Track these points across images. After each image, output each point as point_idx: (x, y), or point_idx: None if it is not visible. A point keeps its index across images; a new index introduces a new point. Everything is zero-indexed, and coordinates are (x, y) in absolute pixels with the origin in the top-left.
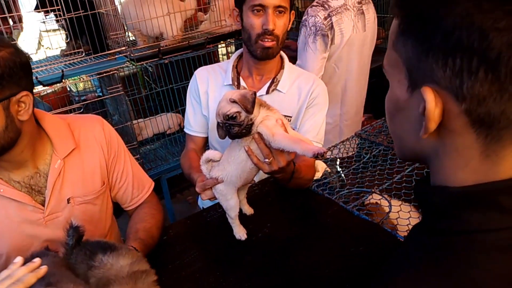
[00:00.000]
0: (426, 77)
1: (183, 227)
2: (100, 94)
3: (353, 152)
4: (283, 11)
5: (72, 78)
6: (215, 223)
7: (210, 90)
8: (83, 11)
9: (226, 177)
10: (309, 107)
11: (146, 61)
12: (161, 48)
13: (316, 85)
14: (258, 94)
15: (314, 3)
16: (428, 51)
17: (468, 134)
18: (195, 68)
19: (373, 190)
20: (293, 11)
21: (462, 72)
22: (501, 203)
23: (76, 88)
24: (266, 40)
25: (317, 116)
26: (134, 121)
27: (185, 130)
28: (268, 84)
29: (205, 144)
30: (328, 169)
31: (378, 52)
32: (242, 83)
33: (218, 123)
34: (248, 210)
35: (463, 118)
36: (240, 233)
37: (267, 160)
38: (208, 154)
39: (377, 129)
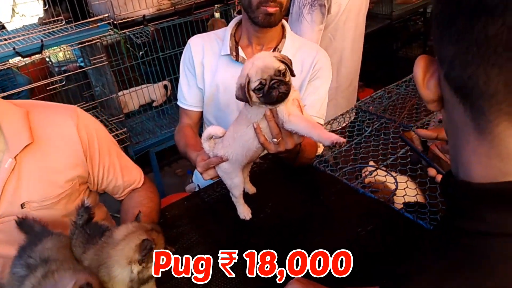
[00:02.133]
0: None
1: (180, 209)
2: (82, 64)
3: (352, 124)
4: None
5: (53, 48)
6: (214, 203)
7: (206, 60)
8: None
9: (231, 155)
10: (312, 80)
11: (130, 29)
12: (146, 15)
13: (320, 56)
14: None
15: None
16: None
17: (456, 104)
18: (184, 36)
19: (377, 166)
20: None
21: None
22: None
23: (56, 58)
24: (269, 5)
25: (320, 90)
26: (119, 93)
27: (178, 103)
28: None
29: (200, 119)
30: None
31: (369, 17)
32: (241, 53)
33: (257, 85)
34: (251, 189)
35: (447, 85)
36: (244, 212)
37: (275, 140)
38: (210, 130)
39: (377, 100)
